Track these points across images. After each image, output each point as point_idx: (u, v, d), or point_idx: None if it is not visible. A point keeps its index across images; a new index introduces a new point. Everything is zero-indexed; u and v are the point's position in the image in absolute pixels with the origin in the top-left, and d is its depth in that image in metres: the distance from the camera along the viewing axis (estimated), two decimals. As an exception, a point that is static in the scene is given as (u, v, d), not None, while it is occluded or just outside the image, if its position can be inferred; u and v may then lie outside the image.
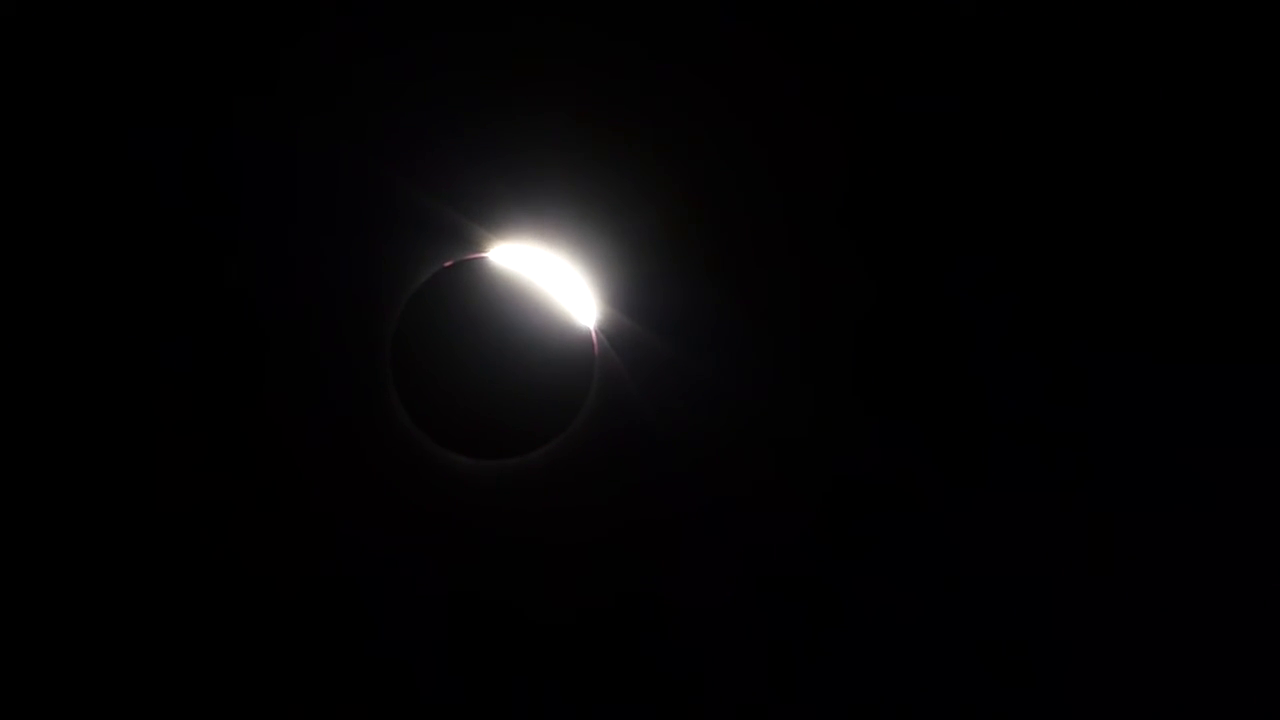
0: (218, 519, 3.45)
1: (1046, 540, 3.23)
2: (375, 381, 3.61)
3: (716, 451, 3.37)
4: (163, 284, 3.34)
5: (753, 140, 3.22)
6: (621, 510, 3.50)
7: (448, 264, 3.67)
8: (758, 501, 3.33)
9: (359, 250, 3.48)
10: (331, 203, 3.37)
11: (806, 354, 3.31)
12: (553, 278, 3.61)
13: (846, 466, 3.29)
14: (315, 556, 3.47)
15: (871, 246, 3.22)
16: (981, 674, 3.28)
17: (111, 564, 3.40)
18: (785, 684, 3.33)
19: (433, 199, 3.38)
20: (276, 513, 3.46)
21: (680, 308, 3.35)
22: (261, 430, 3.47)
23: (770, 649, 3.35)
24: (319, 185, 3.34)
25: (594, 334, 3.60)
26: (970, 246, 3.17)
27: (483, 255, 3.66)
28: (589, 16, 3.13)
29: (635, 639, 3.49)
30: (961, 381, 3.23)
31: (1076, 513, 3.24)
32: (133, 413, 3.37)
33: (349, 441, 3.53)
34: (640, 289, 3.40)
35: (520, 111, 3.23)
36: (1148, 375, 3.23)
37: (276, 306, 3.43)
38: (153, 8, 3.09)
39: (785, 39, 3.12)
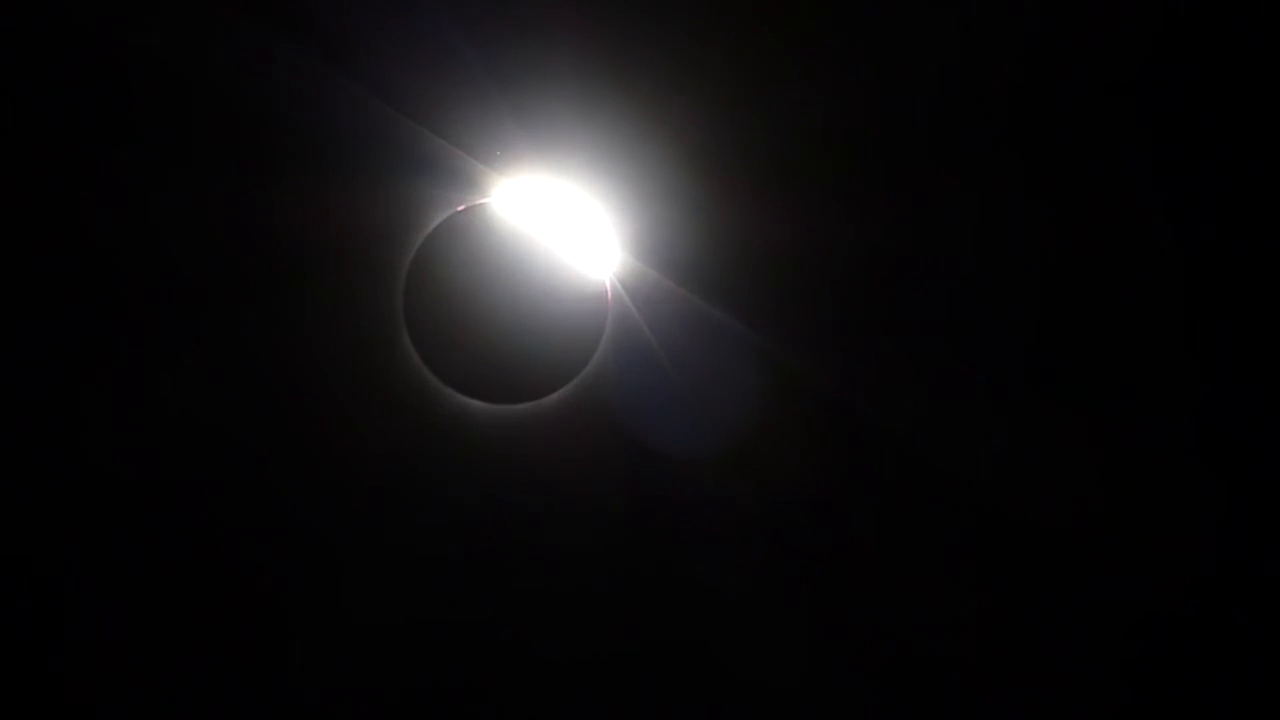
0: (227, 463, 3.45)
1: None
2: (387, 325, 3.60)
3: (738, 408, 3.34)
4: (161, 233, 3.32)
5: (805, 58, 3.08)
6: (636, 464, 3.50)
7: (460, 208, 3.64)
8: (781, 462, 3.30)
9: (370, 192, 3.46)
10: (338, 143, 3.34)
11: (847, 309, 3.24)
12: (568, 222, 3.58)
13: (884, 424, 3.24)
14: (326, 499, 3.48)
15: (921, 193, 3.14)
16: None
17: (111, 523, 3.40)
18: (800, 634, 3.34)
19: (441, 138, 3.35)
20: (288, 456, 3.46)
21: (706, 255, 3.31)
22: (272, 378, 3.46)
23: (786, 607, 3.35)
24: (319, 125, 3.30)
25: (609, 284, 3.58)
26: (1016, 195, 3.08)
27: (495, 198, 3.62)
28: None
29: (644, 596, 3.49)
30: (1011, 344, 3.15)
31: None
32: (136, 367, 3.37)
33: (361, 385, 3.53)
34: (662, 234, 3.37)
35: (533, 32, 3.14)
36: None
37: (280, 254, 3.41)
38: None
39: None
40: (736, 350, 3.36)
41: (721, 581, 3.42)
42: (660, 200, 3.34)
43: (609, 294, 3.58)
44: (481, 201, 3.62)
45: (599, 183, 3.38)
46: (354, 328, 3.54)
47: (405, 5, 3.22)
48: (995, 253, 3.09)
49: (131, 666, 3.45)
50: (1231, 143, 3.05)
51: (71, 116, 3.14)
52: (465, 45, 3.25)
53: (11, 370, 3.28)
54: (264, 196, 3.33)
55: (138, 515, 3.41)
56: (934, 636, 3.27)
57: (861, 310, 3.18)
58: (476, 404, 3.63)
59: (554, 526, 3.54)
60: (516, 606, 3.53)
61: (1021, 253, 3.09)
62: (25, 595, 3.40)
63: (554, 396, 3.62)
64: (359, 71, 3.24)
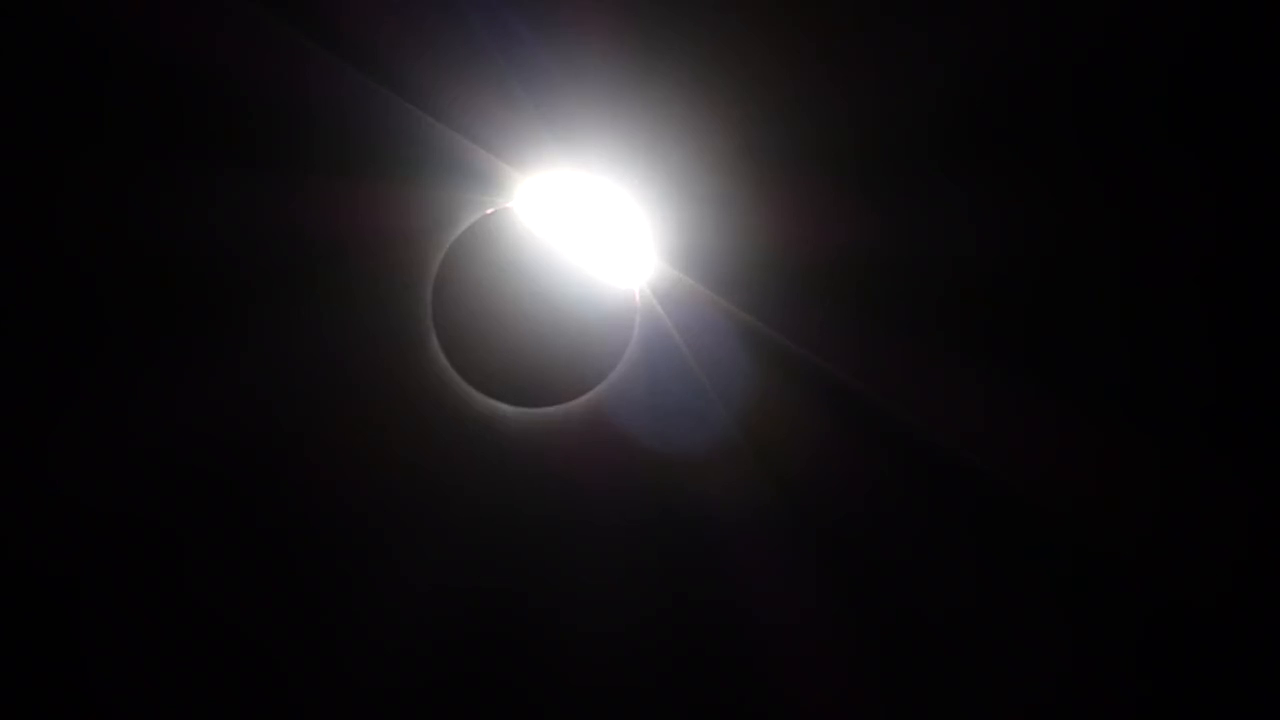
0: (255, 460, 3.45)
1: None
2: (416, 328, 3.59)
3: (769, 414, 3.34)
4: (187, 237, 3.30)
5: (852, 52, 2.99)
6: (663, 469, 3.50)
7: (490, 211, 3.64)
8: (815, 470, 3.29)
9: (401, 195, 3.44)
10: (368, 146, 3.32)
11: (887, 317, 3.21)
12: (598, 225, 3.58)
13: (925, 433, 3.23)
14: (354, 499, 3.48)
15: (967, 200, 3.11)
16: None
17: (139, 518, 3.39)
18: (833, 636, 3.35)
19: (471, 141, 3.33)
20: (317, 456, 3.45)
21: (737, 259, 3.30)
22: (302, 379, 3.45)
23: (817, 610, 3.36)
24: (350, 128, 3.28)
25: (638, 287, 3.58)
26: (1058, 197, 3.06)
27: (525, 201, 3.62)
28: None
29: (672, 599, 3.50)
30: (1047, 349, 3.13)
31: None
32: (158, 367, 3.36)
33: (390, 389, 3.53)
34: (692, 238, 3.36)
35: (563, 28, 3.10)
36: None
37: (312, 257, 3.40)
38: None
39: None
40: (766, 355, 3.36)
41: (752, 585, 3.43)
42: (691, 204, 3.33)
43: (638, 298, 3.58)
44: (511, 204, 3.61)
45: (631, 186, 3.36)
46: (383, 331, 3.53)
47: (435, 7, 3.20)
48: (1047, 258, 3.07)
49: (150, 667, 3.45)
50: (1237, 143, 3.05)
51: (108, 119, 3.12)
52: (497, 47, 3.23)
53: (41, 365, 3.26)
54: (294, 200, 3.32)
55: (164, 511, 3.40)
56: (953, 623, 3.28)
57: (903, 318, 3.16)
58: (504, 407, 3.64)
59: (581, 529, 3.54)
60: (545, 607, 3.53)
61: (1068, 258, 3.07)
62: (44, 592, 3.38)
63: (582, 400, 3.63)
64: (391, 74, 3.22)
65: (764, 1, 2.98)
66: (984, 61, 2.97)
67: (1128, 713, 3.26)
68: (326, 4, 3.11)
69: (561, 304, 3.61)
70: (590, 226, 3.59)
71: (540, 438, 3.60)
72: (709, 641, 3.51)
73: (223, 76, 3.15)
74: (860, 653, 3.40)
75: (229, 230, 3.31)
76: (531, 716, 3.56)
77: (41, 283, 3.24)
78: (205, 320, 3.32)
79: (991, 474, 3.16)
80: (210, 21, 3.10)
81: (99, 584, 3.39)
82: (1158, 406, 3.08)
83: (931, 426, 3.19)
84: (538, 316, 3.60)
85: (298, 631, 3.49)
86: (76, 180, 3.20)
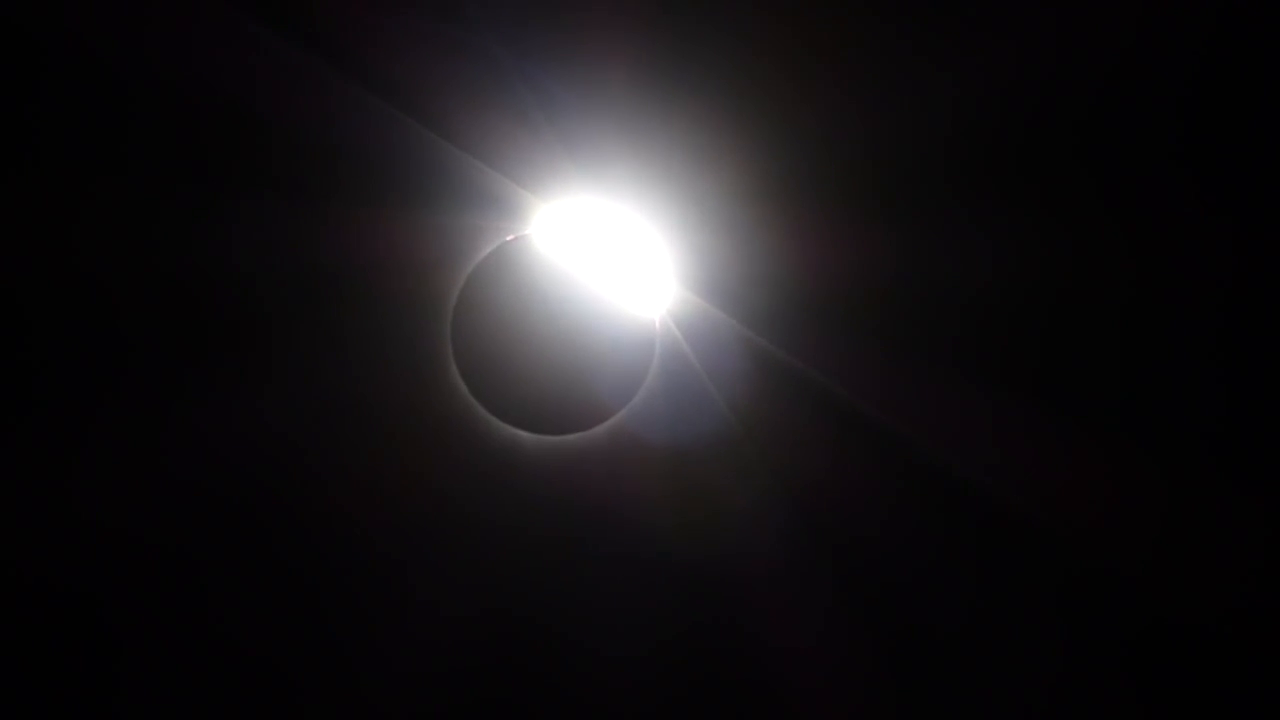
0: (274, 491, 3.45)
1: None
2: (436, 356, 3.59)
3: (789, 441, 3.31)
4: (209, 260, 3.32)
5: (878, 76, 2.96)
6: (683, 496, 3.48)
7: (510, 238, 3.64)
8: (837, 498, 3.26)
9: (422, 223, 3.46)
10: (388, 174, 3.34)
11: (913, 347, 3.18)
12: (618, 252, 3.58)
13: (947, 463, 3.20)
14: (375, 528, 3.47)
15: (986, 224, 3.08)
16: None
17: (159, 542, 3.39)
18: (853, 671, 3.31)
19: (492, 169, 3.34)
20: (338, 486, 3.45)
21: (757, 285, 3.29)
22: (322, 407, 3.45)
23: (839, 643, 3.32)
24: (370, 156, 3.30)
25: (657, 318, 3.57)
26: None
27: (545, 228, 3.62)
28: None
29: (693, 625, 3.47)
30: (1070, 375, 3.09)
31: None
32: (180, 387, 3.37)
33: (410, 416, 3.52)
34: (713, 265, 3.35)
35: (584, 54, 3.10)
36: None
37: (332, 286, 3.41)
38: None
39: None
40: (786, 381, 3.34)
41: (770, 613, 3.40)
42: (711, 230, 3.32)
43: (658, 324, 3.57)
44: (531, 231, 3.62)
45: (651, 212, 3.37)
46: (403, 358, 3.54)
47: (456, 36, 3.23)
48: (1063, 284, 3.04)
49: (168, 692, 3.44)
50: (1253, 169, 3.01)
51: (133, 147, 3.15)
52: (517, 74, 3.25)
53: (64, 390, 3.28)
54: (314, 227, 3.34)
55: (184, 537, 3.40)
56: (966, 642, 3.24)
57: (928, 346, 3.13)
58: (524, 434, 3.63)
59: (601, 557, 3.52)
60: (566, 634, 3.50)
61: (1082, 283, 3.05)
62: (64, 617, 3.39)
63: (601, 428, 3.61)
64: (412, 102, 3.24)
65: (785, 29, 2.98)
66: (1006, 89, 2.96)
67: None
68: (348, 34, 3.15)
69: (581, 331, 3.61)
70: (610, 253, 3.59)
71: (560, 465, 3.59)
72: (728, 669, 3.48)
73: (246, 106, 3.18)
74: (874, 681, 3.35)
75: (252, 258, 3.33)
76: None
77: (66, 309, 3.27)
78: (226, 347, 3.33)
79: (1014, 501, 3.12)
80: (236, 53, 3.14)
81: (118, 609, 3.39)
82: (1166, 428, 3.04)
83: (955, 455, 3.15)
84: (558, 343, 3.59)
85: (317, 660, 3.48)
86: (102, 209, 3.23)
